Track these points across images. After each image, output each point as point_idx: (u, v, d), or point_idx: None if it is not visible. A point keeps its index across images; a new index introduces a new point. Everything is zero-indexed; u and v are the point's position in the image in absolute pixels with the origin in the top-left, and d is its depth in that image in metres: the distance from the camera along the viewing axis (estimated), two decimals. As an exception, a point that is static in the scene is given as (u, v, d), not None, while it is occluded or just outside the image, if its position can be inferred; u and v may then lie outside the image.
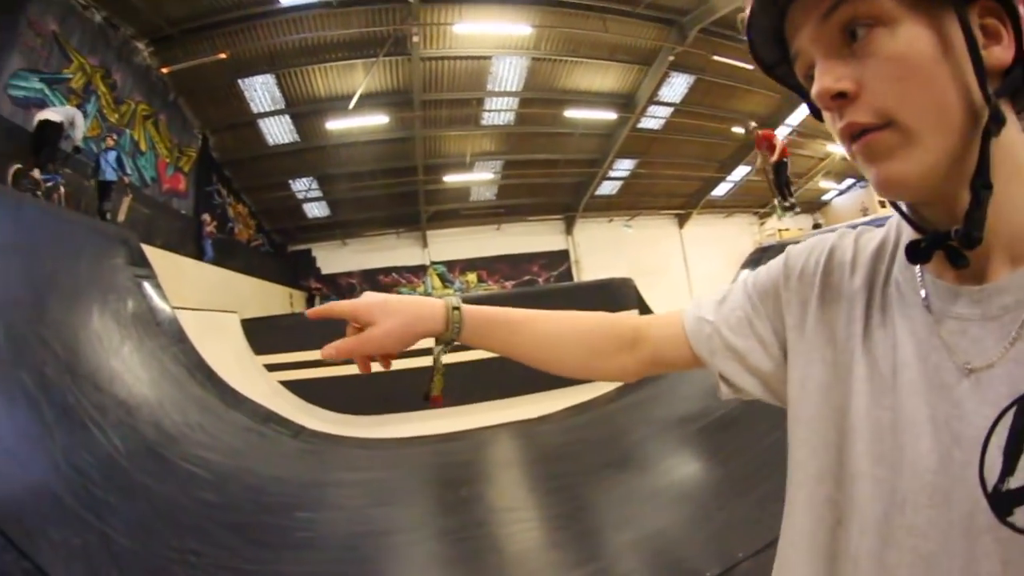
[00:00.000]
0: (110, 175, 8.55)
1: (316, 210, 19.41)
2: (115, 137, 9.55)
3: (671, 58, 13.89)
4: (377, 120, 14.61)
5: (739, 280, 0.71)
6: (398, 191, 18.24)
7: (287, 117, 14.69)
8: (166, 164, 12.70)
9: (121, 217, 8.47)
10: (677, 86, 15.71)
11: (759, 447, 3.55)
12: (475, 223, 20.83)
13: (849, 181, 22.26)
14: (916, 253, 0.53)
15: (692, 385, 5.22)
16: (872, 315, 0.58)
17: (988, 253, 0.50)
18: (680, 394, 5.62)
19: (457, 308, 0.73)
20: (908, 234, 0.58)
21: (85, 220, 6.58)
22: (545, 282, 20.83)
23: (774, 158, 10.41)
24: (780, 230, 14.72)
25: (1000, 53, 0.49)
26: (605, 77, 15.01)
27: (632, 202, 21.21)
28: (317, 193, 18.31)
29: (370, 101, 13.84)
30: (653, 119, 16.95)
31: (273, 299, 15.35)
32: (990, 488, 0.45)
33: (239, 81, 13.15)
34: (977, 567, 0.45)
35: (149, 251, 6.91)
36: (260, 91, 13.67)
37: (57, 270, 4.71)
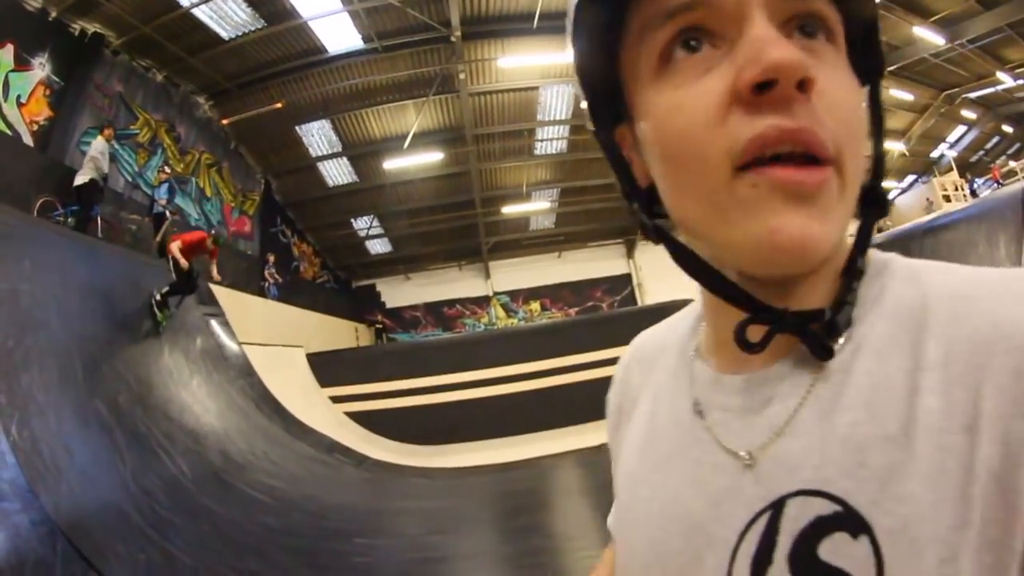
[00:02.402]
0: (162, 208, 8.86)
1: (378, 246, 19.93)
2: (167, 170, 10.15)
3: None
4: (432, 157, 14.95)
5: None
6: (458, 224, 18.54)
7: (345, 159, 15.30)
8: (231, 208, 13.52)
9: (156, 239, 8.63)
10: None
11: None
12: (536, 252, 20.88)
13: (910, 178, 21.19)
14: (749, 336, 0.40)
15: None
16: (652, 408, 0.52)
17: None
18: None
19: None
20: (696, 318, 0.52)
21: (158, 263, 7.00)
22: (609, 307, 20.53)
23: None
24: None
25: None
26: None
27: (692, 219, 20.82)
28: (378, 230, 18.80)
29: (424, 139, 14.25)
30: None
31: (339, 333, 15.78)
32: None
33: (296, 127, 13.83)
34: None
35: (217, 290, 7.29)
36: (317, 136, 14.36)
37: (131, 309, 5.04)
